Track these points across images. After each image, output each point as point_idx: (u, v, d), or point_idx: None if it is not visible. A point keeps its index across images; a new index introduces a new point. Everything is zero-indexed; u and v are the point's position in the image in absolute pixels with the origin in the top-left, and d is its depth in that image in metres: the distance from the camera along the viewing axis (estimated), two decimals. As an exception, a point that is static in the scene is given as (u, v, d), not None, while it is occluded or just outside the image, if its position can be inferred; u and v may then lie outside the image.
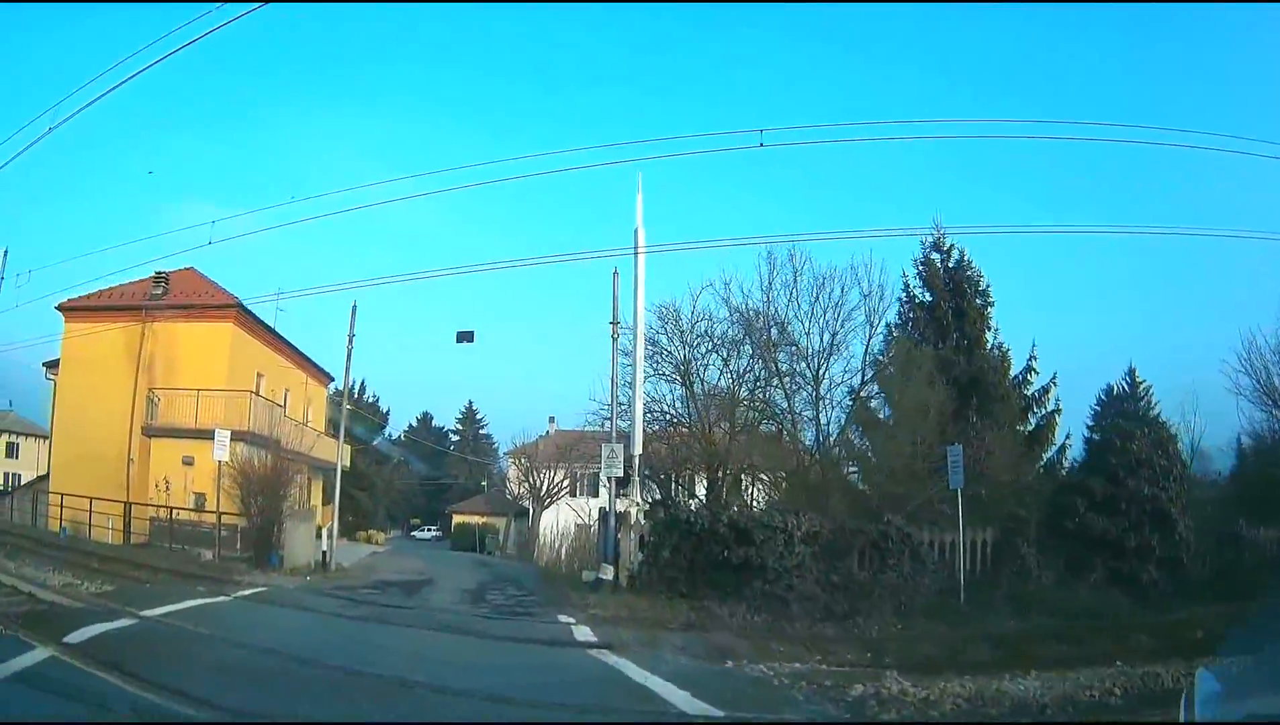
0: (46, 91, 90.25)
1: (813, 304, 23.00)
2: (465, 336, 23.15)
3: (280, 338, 36.54)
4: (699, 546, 17.38)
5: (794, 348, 23.02)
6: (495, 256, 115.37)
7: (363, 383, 66.75)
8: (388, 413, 68.63)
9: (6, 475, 61.13)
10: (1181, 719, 3.86)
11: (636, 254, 20.85)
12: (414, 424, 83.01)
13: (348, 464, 45.18)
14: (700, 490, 24.97)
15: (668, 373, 24.43)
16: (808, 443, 23.09)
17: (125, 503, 26.28)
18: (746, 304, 23.61)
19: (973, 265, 27.57)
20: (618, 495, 20.39)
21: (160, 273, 31.71)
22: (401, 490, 77.53)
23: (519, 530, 53.00)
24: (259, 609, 14.15)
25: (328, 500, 46.55)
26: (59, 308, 30.98)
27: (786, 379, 22.85)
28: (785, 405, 23.26)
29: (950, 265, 27.86)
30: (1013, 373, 28.09)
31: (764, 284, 23.27)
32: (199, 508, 25.36)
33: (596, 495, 53.15)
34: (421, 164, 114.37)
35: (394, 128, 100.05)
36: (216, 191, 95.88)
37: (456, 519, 62.64)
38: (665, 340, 24.34)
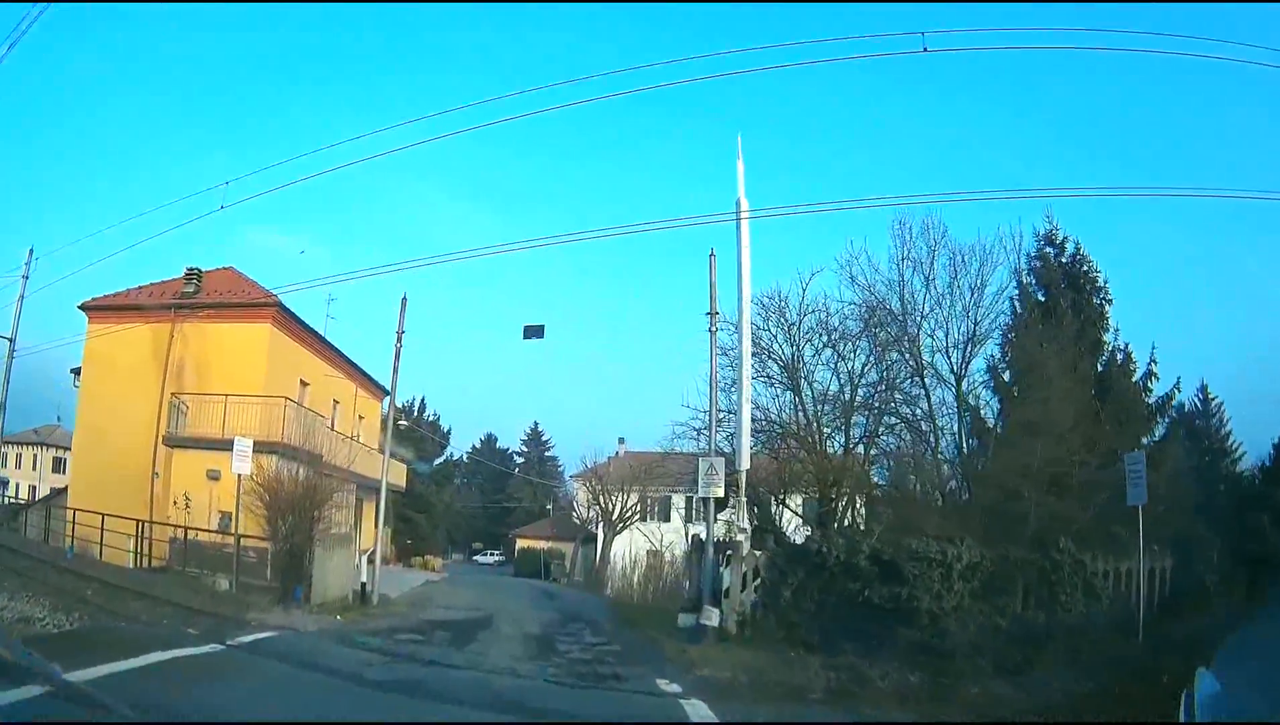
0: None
1: (951, 286, 18.89)
2: (534, 332, 19.46)
3: (328, 343, 33.37)
4: (830, 584, 13.51)
5: (928, 339, 18.82)
6: (562, 263, 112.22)
7: (423, 400, 64.07)
8: (449, 432, 65.61)
9: (53, 491, 59.35)
10: (1181, 719, 3.78)
11: (739, 220, 16.94)
12: (477, 445, 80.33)
13: (401, 484, 42.18)
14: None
15: (773, 375, 20.32)
16: (944, 454, 18.72)
17: (138, 521, 22.90)
18: (872, 286, 19.45)
19: (1090, 260, 24.02)
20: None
21: (193, 269, 29.27)
22: (463, 513, 74.72)
23: (585, 557, 49.44)
24: (249, 668, 10.34)
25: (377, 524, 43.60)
26: (82, 307, 28.50)
27: (922, 376, 18.58)
28: (917, 409, 18.99)
29: (1064, 260, 24.12)
30: (1135, 377, 24.09)
31: (896, 258, 19.14)
32: (223, 529, 21.89)
33: (668, 520, 49.89)
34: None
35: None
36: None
37: (520, 543, 60.11)
38: (768, 337, 20.24)
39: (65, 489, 29.51)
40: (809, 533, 19.28)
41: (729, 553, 15.21)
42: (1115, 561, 14.82)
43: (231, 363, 26.76)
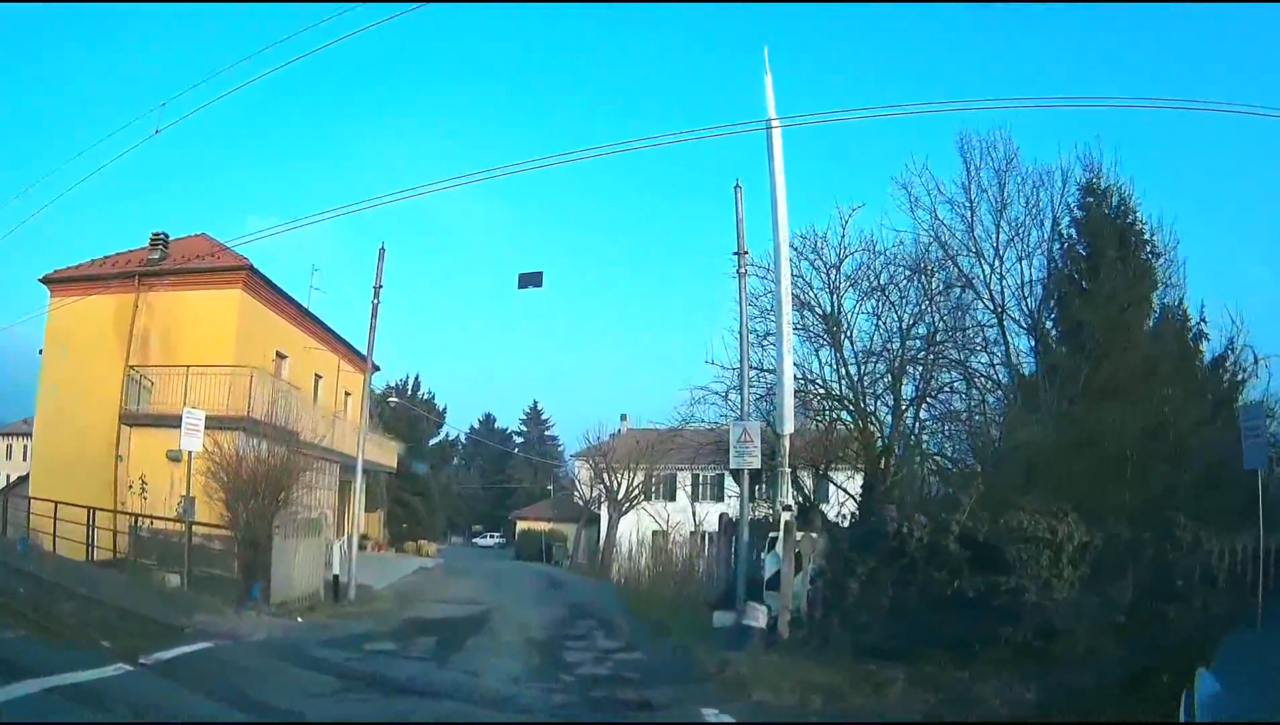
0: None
1: (1024, 218, 16.20)
2: (531, 280, 16.74)
3: (308, 313, 30.53)
4: (910, 574, 10.75)
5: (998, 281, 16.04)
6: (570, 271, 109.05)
7: (417, 379, 61.28)
8: (444, 411, 62.79)
9: (15, 479, 56.55)
10: (1181, 719, 3.79)
11: (769, 130, 14.16)
12: (475, 426, 77.83)
13: (392, 465, 39.46)
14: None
15: (808, 327, 17.48)
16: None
17: (88, 509, 20.14)
18: (936, 210, 16.71)
19: (1135, 210, 21.00)
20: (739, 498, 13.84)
21: (159, 234, 26.51)
22: (461, 495, 72.35)
23: (589, 538, 47.23)
24: (145, 702, 7.62)
25: (371, 507, 40.80)
26: (43, 281, 25.86)
27: (1001, 322, 15.85)
28: (988, 361, 16.25)
29: (1108, 211, 21.27)
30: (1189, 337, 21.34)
31: (962, 182, 16.38)
32: (181, 516, 19.13)
33: (674, 499, 47.21)
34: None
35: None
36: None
37: (521, 525, 57.92)
38: (802, 285, 17.42)
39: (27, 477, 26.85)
40: (855, 512, 16.60)
41: (772, 536, 12.47)
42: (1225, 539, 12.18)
43: (198, 333, 24.10)
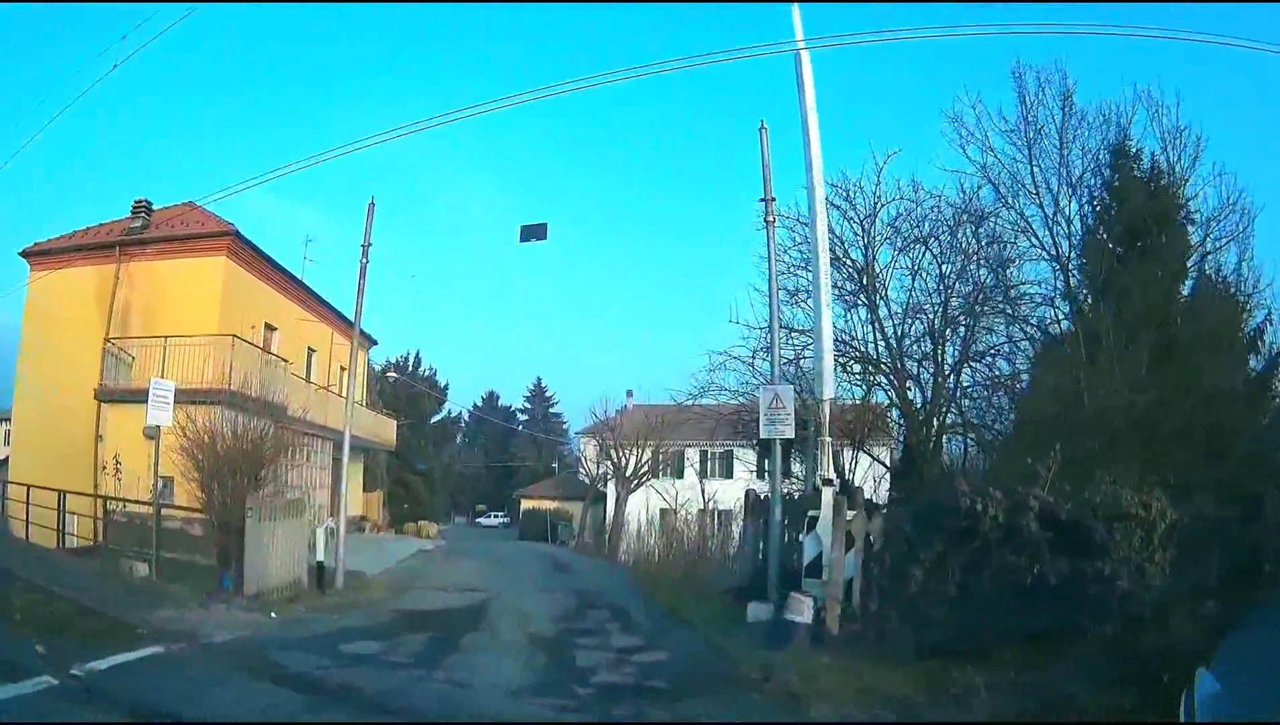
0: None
1: (1086, 162, 14.52)
2: (533, 232, 15.03)
3: (300, 284, 28.86)
4: (982, 559, 9.09)
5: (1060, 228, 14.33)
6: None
7: (418, 355, 59.64)
8: (446, 388, 61.15)
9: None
10: (1181, 719, 3.78)
11: (798, 57, 12.50)
12: (479, 403, 76.22)
13: (391, 442, 37.87)
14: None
15: (837, 285, 15.78)
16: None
17: (59, 492, 18.57)
18: (988, 151, 15.00)
19: (1169, 172, 19.03)
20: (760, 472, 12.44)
21: (141, 201, 24.84)
22: (464, 475, 70.90)
23: (595, 517, 45.90)
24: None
25: (370, 487, 39.24)
26: (23, 254, 24.40)
27: (1067, 274, 14.15)
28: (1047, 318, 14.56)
29: (1139, 174, 19.41)
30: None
31: (1018, 119, 14.69)
32: (156, 499, 17.54)
33: (682, 476, 45.63)
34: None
35: None
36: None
37: (525, 505, 56.38)
38: (831, 240, 15.70)
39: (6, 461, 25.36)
40: (890, 491, 14.98)
41: (811, 515, 10.86)
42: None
43: (181, 304, 22.52)
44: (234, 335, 20.56)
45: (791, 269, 15.41)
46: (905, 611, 9.14)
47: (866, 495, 14.93)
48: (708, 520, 31.66)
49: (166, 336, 21.04)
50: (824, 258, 12.37)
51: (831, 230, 15.75)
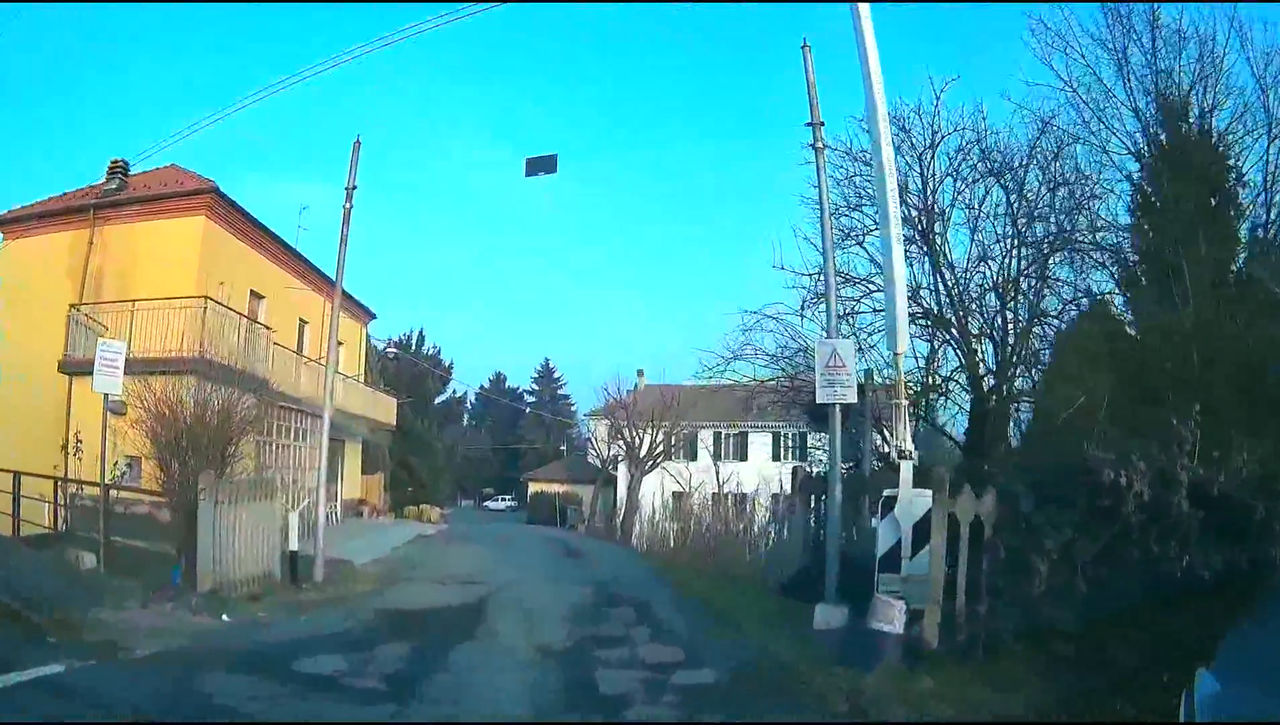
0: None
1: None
2: (540, 165, 12.87)
3: (290, 249, 26.69)
4: (1121, 547, 6.97)
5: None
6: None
7: (421, 332, 57.66)
8: (450, 366, 59.08)
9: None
10: (1181, 719, 3.74)
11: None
12: (485, 385, 74.42)
13: (391, 422, 35.74)
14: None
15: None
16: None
17: (14, 473, 16.51)
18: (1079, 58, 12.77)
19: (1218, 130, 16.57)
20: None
21: (118, 162, 22.87)
22: (470, 457, 69.04)
23: (605, 500, 44.17)
24: None
25: (370, 469, 37.16)
26: None
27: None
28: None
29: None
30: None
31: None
32: (118, 480, 15.48)
33: (695, 459, 43.56)
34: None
35: None
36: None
37: (533, 488, 55.11)
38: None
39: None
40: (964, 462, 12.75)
41: (888, 495, 8.73)
42: None
43: (157, 269, 20.41)
44: (206, 296, 18.38)
45: (839, 210, 13.21)
46: (1028, 617, 7.02)
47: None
48: (723, 505, 29.79)
49: (135, 300, 19.00)
50: (891, 179, 10.15)
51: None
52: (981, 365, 13.19)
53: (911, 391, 12.03)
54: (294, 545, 12.29)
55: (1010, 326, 13.12)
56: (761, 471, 34.22)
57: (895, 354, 9.48)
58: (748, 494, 30.46)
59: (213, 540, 10.83)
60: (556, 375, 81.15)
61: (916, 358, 13.18)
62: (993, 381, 12.97)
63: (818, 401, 10.02)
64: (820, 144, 11.60)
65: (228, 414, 13.70)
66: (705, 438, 44.90)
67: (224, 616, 9.66)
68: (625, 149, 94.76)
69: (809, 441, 17.54)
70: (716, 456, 42.60)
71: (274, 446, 22.15)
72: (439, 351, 59.41)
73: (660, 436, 40.00)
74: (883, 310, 12.24)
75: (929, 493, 8.27)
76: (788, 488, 14.59)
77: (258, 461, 20.78)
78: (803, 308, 13.23)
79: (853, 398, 9.97)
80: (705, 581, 14.91)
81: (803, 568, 11.16)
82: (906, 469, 8.77)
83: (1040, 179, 13.17)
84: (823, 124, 11.72)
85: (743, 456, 45.21)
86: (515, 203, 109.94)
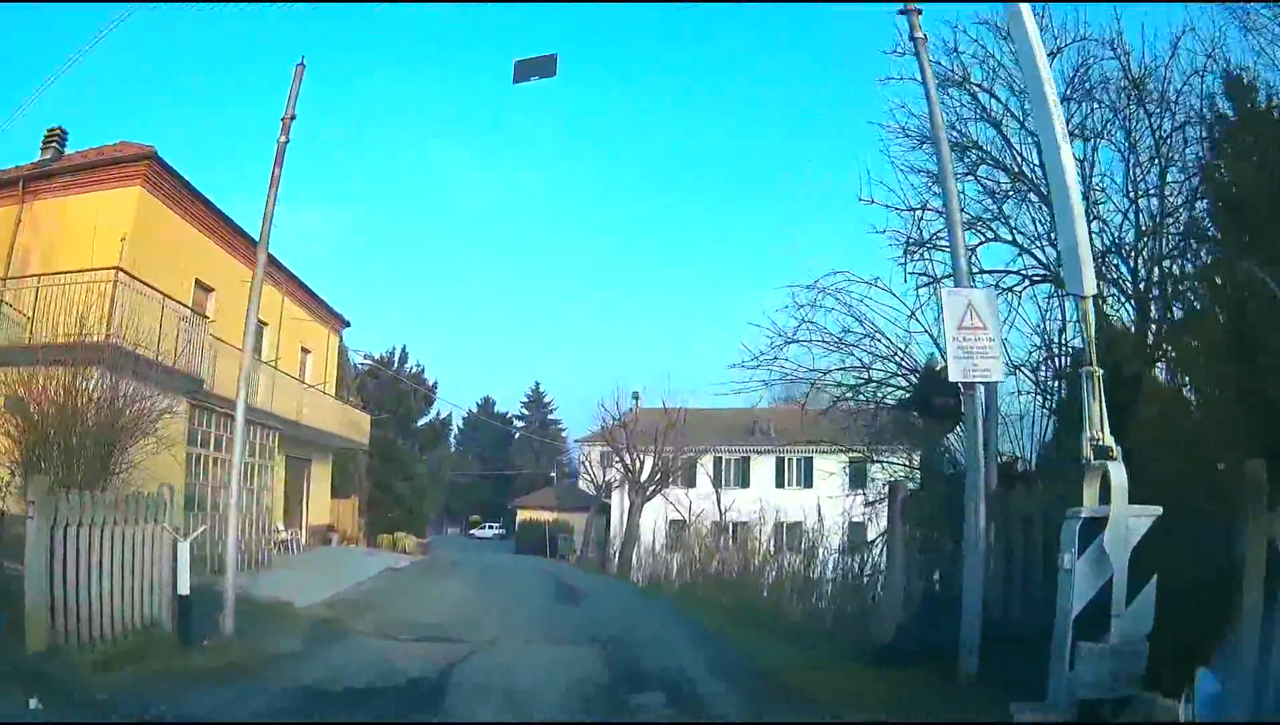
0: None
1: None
2: (533, 68, 9.65)
3: (247, 237, 23.31)
4: None
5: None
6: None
7: (404, 350, 54.32)
8: (435, 386, 55.65)
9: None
10: (1181, 719, 3.75)
11: None
12: (474, 409, 71.26)
13: (363, 440, 32.25)
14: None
15: (980, 175, 10.36)
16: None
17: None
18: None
19: None
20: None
21: (55, 131, 20.20)
22: (458, 483, 65.74)
23: (598, 529, 41.28)
24: None
25: (344, 492, 33.63)
26: None
27: None
28: None
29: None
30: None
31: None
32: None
33: (694, 485, 40.17)
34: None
35: None
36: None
37: (522, 515, 52.57)
38: (970, 107, 10.42)
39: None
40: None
41: (1085, 516, 5.41)
42: None
43: (83, 247, 17.16)
44: (118, 267, 15.06)
45: (925, 143, 9.98)
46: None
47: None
48: (726, 536, 26.94)
49: (39, 275, 15.78)
50: (1040, 54, 6.88)
51: (964, 98, 10.46)
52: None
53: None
54: (184, 588, 8.76)
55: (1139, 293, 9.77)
56: (764, 498, 31.95)
57: (1080, 299, 6.15)
58: (747, 523, 27.62)
59: (48, 579, 7.33)
60: (547, 400, 78.42)
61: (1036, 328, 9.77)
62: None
63: (950, 378, 6.71)
64: (920, 33, 8.45)
65: (114, 410, 10.31)
66: (705, 463, 42.08)
67: (31, 702, 6.12)
68: (627, 149, 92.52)
69: (869, 471, 14.00)
70: (717, 483, 39.87)
71: (212, 461, 18.77)
72: (423, 369, 55.92)
73: (660, 461, 36.78)
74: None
75: (1149, 509, 5.11)
76: (853, 512, 11.22)
77: (191, 478, 17.50)
78: (905, 253, 9.85)
79: (998, 373, 6.72)
80: (743, 631, 11.49)
81: (905, 623, 7.75)
82: (1118, 474, 5.44)
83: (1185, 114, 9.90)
84: (919, 11, 8.63)
85: (744, 482, 42.73)
86: (505, 222, 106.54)
